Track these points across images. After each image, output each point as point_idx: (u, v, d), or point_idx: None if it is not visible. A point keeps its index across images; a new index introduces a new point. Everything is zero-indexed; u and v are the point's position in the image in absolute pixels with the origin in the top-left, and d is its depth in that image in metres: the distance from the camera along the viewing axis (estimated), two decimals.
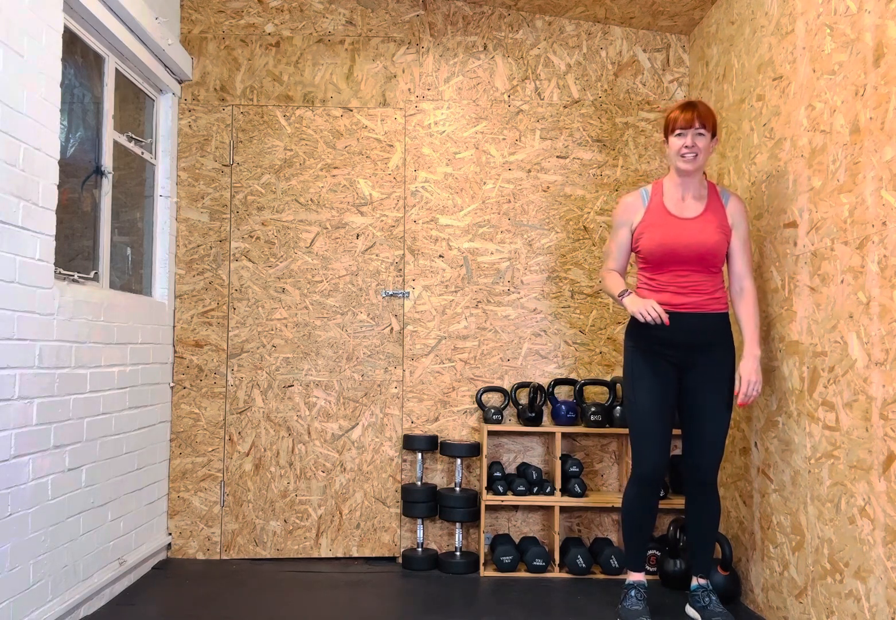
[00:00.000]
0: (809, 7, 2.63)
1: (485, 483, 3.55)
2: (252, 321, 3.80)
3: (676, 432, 3.54)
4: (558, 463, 3.56)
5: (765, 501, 2.93)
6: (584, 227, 3.86)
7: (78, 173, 3.05)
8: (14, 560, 2.42)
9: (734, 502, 3.25)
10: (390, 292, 3.81)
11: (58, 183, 2.70)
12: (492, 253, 3.85)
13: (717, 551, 3.33)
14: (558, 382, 3.74)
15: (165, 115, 3.76)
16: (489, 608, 3.05)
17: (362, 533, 3.75)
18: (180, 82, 3.86)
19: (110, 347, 3.09)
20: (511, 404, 3.79)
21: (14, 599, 2.42)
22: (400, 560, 3.71)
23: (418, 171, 3.87)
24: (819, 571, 2.50)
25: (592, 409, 3.59)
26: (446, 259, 3.85)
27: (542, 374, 3.82)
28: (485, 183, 3.87)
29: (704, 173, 2.88)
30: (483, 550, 3.56)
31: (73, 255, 3.01)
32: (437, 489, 3.70)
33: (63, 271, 2.87)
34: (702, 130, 2.75)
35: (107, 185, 3.23)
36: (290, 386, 3.79)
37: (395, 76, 3.90)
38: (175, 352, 3.78)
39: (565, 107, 3.90)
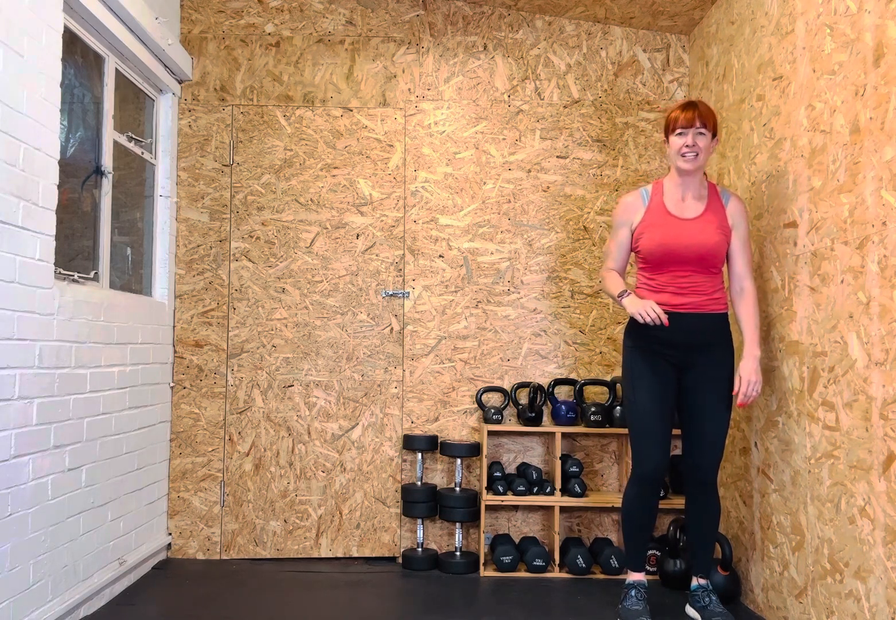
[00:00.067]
0: (809, 7, 2.63)
1: (485, 483, 3.55)
2: (252, 321, 3.80)
3: (676, 432, 3.54)
4: (558, 463, 3.56)
5: (765, 501, 2.93)
6: (584, 227, 3.86)
7: (78, 173, 3.05)
8: (14, 560, 2.42)
9: (734, 502, 3.25)
10: (390, 292, 3.81)
11: (58, 183, 2.70)
12: (492, 253, 3.85)
13: (718, 551, 3.33)
14: (558, 382, 3.74)
15: (165, 115, 3.76)
16: (489, 608, 3.05)
17: (362, 533, 3.75)
18: (180, 82, 3.86)
19: (110, 347, 3.09)
20: (511, 404, 3.79)
21: (14, 599, 2.42)
22: (400, 560, 3.71)
23: (418, 171, 3.87)
24: (819, 571, 2.50)
25: (592, 409, 3.59)
26: (446, 259, 3.85)
27: (542, 374, 3.82)
28: (485, 183, 3.87)
29: (705, 174, 2.88)
30: (483, 550, 3.56)
31: (73, 255, 3.01)
32: (437, 489, 3.70)
33: (63, 271, 2.87)
34: (702, 130, 2.75)
35: (107, 185, 3.23)
36: (290, 386, 3.79)
37: (395, 76, 3.90)
38: (175, 352, 3.78)
39: (565, 107, 3.90)
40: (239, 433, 3.77)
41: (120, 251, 3.42)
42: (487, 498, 3.54)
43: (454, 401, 3.80)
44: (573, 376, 3.82)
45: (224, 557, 3.73)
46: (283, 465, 3.76)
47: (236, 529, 3.73)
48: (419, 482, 3.69)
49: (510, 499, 3.54)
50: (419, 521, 3.69)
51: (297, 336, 3.80)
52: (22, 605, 2.47)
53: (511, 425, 3.71)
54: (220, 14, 3.90)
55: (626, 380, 2.89)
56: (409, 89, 3.89)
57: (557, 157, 3.88)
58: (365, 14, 3.92)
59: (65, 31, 2.84)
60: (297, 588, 3.29)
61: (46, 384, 2.61)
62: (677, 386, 2.85)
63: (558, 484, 3.55)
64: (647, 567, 3.48)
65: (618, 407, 3.61)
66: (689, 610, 2.93)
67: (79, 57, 3.05)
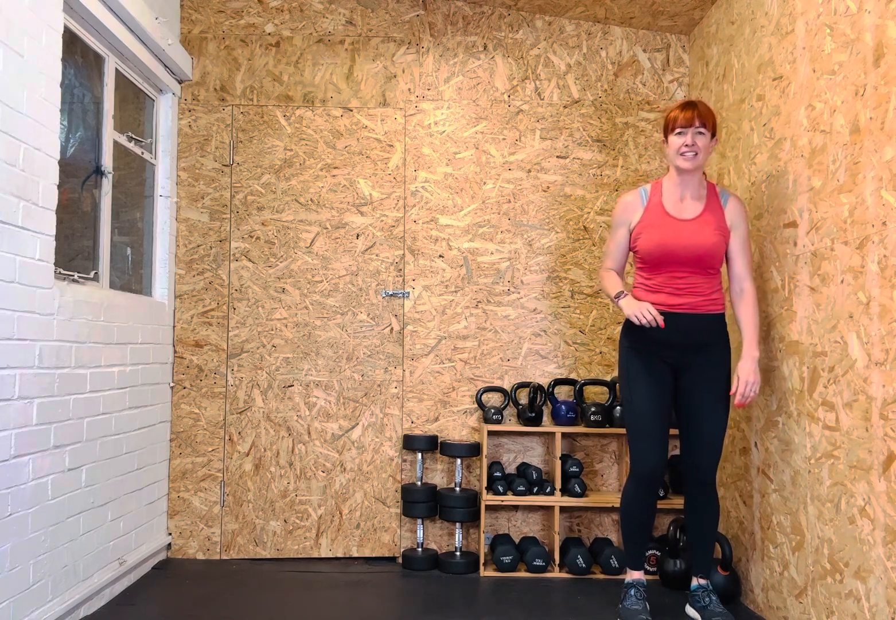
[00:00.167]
0: (809, 7, 2.63)
1: (485, 483, 3.55)
2: (252, 321, 3.80)
3: (675, 432, 3.54)
4: (558, 463, 3.56)
5: (765, 501, 2.93)
6: (584, 227, 3.86)
7: (78, 173, 3.05)
8: (14, 560, 2.42)
9: (734, 502, 3.25)
10: (390, 292, 3.81)
11: (58, 183, 2.69)
12: (492, 253, 3.86)
13: (717, 551, 3.33)
14: (558, 382, 3.74)
15: (165, 115, 3.77)
16: (489, 608, 3.05)
17: (362, 533, 3.75)
18: (180, 82, 3.86)
19: (110, 347, 3.09)
20: (511, 404, 3.79)
21: (14, 599, 2.42)
22: (400, 560, 3.71)
23: (418, 171, 3.87)
24: (819, 571, 2.50)
25: (592, 409, 3.59)
26: (446, 259, 3.85)
27: (542, 374, 3.82)
28: (485, 183, 3.87)
29: (704, 174, 2.88)
30: (483, 550, 3.56)
31: (73, 255, 3.01)
32: (437, 489, 3.70)
33: (63, 271, 2.87)
34: (702, 129, 2.75)
35: (107, 185, 3.23)
36: (290, 386, 3.79)
37: (395, 76, 3.90)
38: (175, 352, 3.78)
39: (565, 107, 3.90)
40: (239, 433, 3.77)
41: (120, 251, 3.42)
42: (487, 498, 3.54)
43: (454, 401, 3.80)
44: (573, 376, 3.82)
45: (224, 557, 3.73)
46: (283, 465, 3.76)
47: (236, 529, 3.73)
48: (419, 482, 3.69)
49: (510, 499, 3.54)
50: (419, 521, 3.69)
51: (297, 336, 3.80)
52: (22, 605, 2.47)
53: (511, 425, 3.71)
54: (220, 14, 3.90)
55: (622, 381, 2.89)
56: (409, 89, 3.89)
57: (557, 157, 3.88)
58: (365, 14, 3.92)
59: (65, 31, 2.84)
60: (297, 588, 3.29)
61: (46, 384, 2.61)
62: (674, 386, 2.86)
63: (558, 484, 3.55)
64: (647, 567, 3.48)
65: (618, 407, 3.61)
66: (689, 610, 2.93)
67: (79, 57, 3.05)
